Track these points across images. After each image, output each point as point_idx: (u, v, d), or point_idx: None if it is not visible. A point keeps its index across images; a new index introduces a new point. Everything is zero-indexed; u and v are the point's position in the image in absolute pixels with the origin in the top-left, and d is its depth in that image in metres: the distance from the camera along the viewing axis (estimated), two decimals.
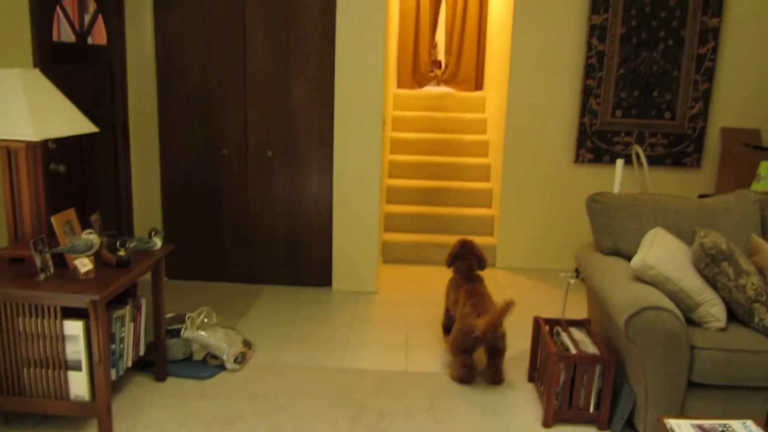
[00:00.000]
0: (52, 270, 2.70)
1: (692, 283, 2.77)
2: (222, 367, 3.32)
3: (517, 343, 3.76)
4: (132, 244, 2.98)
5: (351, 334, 3.81)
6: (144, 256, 2.99)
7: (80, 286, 2.56)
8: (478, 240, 5.29)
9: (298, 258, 4.60)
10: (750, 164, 4.68)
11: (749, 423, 2.15)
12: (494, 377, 3.25)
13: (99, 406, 2.61)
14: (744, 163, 4.73)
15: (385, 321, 4.03)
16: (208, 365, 3.32)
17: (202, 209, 4.58)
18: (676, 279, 2.76)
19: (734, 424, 2.14)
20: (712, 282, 2.81)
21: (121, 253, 2.81)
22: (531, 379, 3.33)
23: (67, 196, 3.74)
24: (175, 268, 4.66)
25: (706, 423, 2.13)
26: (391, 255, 5.33)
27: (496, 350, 3.23)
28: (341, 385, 3.19)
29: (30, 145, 2.78)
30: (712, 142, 5.08)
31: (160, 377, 3.20)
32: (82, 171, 3.92)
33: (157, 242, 3.06)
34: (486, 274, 5.02)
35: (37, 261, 2.62)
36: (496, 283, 4.84)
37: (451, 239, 5.35)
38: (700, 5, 4.84)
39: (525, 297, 4.54)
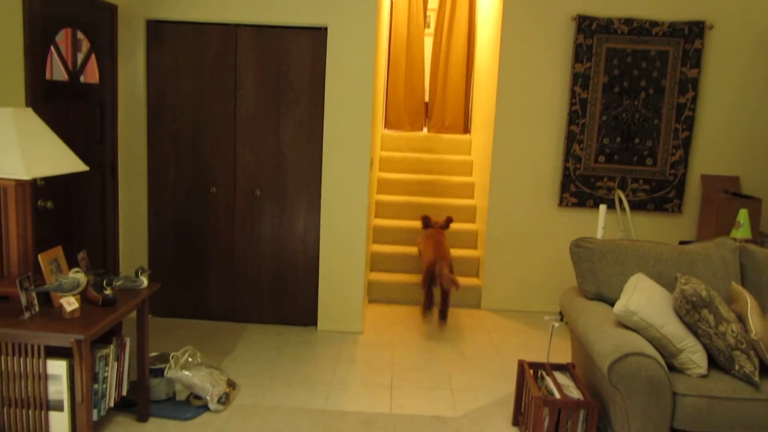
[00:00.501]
0: (37, 308, 2.69)
1: (674, 329, 2.81)
2: (205, 407, 3.29)
3: (502, 386, 3.76)
4: (118, 283, 2.98)
5: (336, 375, 3.80)
6: (130, 294, 2.99)
7: (65, 325, 2.56)
8: (464, 281, 5.33)
9: (284, 297, 4.60)
10: (730, 211, 4.79)
11: None
12: (442, 313, 4.80)
13: None
14: (724, 210, 4.83)
15: (370, 362, 4.02)
16: (191, 406, 3.29)
17: (188, 247, 4.59)
18: (658, 325, 2.80)
19: None
20: (693, 328, 2.86)
21: (108, 291, 2.81)
22: (515, 423, 3.33)
23: (54, 233, 3.74)
24: (159, 305, 4.63)
25: None
26: (377, 295, 5.34)
27: (447, 292, 4.73)
28: (325, 427, 3.17)
29: (19, 183, 2.80)
30: (693, 188, 5.19)
31: (143, 418, 3.16)
32: (70, 208, 3.93)
33: (144, 281, 3.06)
34: (472, 316, 5.05)
35: (23, 299, 2.62)
36: (481, 325, 4.86)
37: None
38: (680, 57, 5.00)
39: (509, 339, 4.56)
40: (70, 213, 3.94)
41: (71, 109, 3.92)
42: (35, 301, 2.69)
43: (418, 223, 5.91)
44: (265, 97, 4.42)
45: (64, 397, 2.58)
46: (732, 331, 2.81)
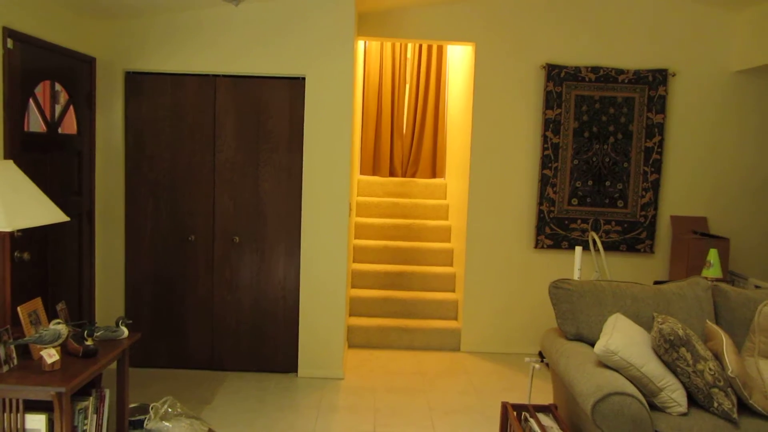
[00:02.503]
0: (15, 361, 2.65)
1: (654, 368, 2.86)
2: None
3: (485, 428, 3.76)
4: (99, 333, 2.95)
5: (318, 423, 3.76)
6: (111, 344, 2.95)
7: (45, 378, 2.52)
8: (443, 324, 5.35)
9: (264, 344, 4.56)
10: (699, 250, 4.92)
11: None
12: None
13: None
14: (694, 250, 4.96)
15: (352, 408, 3.99)
16: None
17: (166, 295, 4.55)
18: (638, 364, 2.85)
19: None
20: (671, 367, 2.91)
21: (89, 342, 2.78)
22: None
23: (31, 283, 3.69)
24: (136, 355, 4.55)
25: None
26: (357, 339, 5.33)
27: None
28: None
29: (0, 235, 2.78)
30: (664, 229, 5.32)
31: None
32: (46, 258, 3.89)
33: (125, 331, 3.04)
34: (451, 359, 5.06)
35: (1, 352, 2.58)
36: (462, 367, 4.86)
37: (416, 323, 5.40)
38: (645, 103, 5.19)
39: (490, 381, 4.57)
40: (47, 263, 3.89)
41: (49, 160, 3.92)
42: (14, 354, 2.64)
43: (395, 267, 5.94)
44: (244, 145, 4.47)
45: None
46: (710, 369, 2.87)
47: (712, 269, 4.35)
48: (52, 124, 4.01)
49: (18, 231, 3.53)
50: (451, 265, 6.12)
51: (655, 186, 5.27)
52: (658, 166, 5.25)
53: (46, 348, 2.61)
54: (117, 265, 4.52)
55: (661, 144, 5.23)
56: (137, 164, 4.50)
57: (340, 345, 4.51)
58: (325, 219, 4.46)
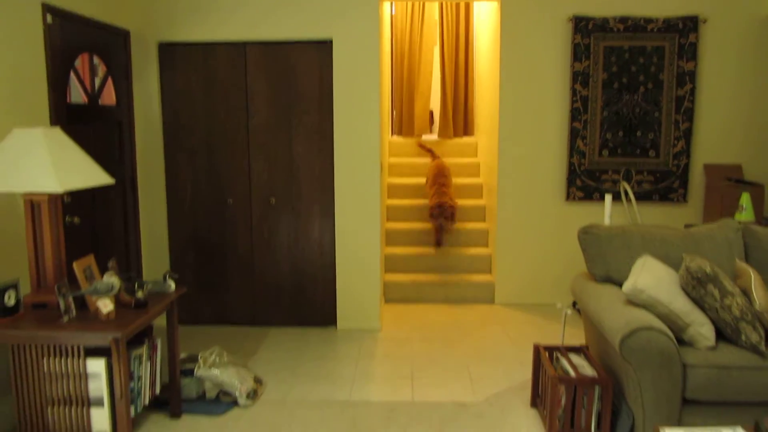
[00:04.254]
0: (74, 313, 2.85)
1: (681, 305, 2.93)
2: (234, 403, 3.43)
3: (519, 373, 3.88)
4: (148, 287, 3.13)
5: (357, 369, 3.93)
6: (159, 297, 3.14)
7: (102, 326, 2.71)
8: (477, 278, 5.47)
9: (303, 300, 4.74)
10: (733, 197, 4.90)
11: (739, 429, 2.28)
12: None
13: None
14: (728, 197, 4.94)
15: (390, 356, 4.15)
16: (221, 402, 3.43)
17: (208, 256, 4.75)
18: (665, 302, 2.92)
19: (725, 430, 2.27)
20: (699, 303, 2.98)
21: (140, 294, 2.96)
22: (534, 404, 3.44)
23: (81, 247, 3.91)
24: (182, 313, 4.79)
25: (698, 431, 2.26)
26: (393, 294, 5.47)
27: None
28: (350, 416, 3.30)
29: (52, 198, 2.96)
30: (696, 177, 5.30)
31: (176, 415, 3.30)
32: (95, 223, 4.10)
33: (172, 284, 3.21)
34: (485, 310, 5.18)
35: (61, 304, 2.77)
36: (496, 318, 4.97)
37: (450, 278, 5.51)
38: (676, 51, 5.14)
39: (523, 330, 4.67)
40: (95, 228, 4.11)
41: (91, 130, 4.10)
42: (72, 306, 2.84)
43: (429, 225, 6.04)
44: (276, 109, 4.60)
45: (104, 393, 2.73)
46: (737, 303, 2.93)
47: (745, 213, 4.34)
48: (93, 96, 4.18)
49: (67, 196, 3.74)
50: (483, 221, 6.19)
51: (687, 135, 5.24)
52: (690, 115, 5.22)
53: (101, 298, 2.80)
54: (160, 229, 4.73)
55: (692, 92, 5.19)
56: (174, 132, 4.67)
57: (377, 299, 4.66)
58: (357, 178, 4.58)
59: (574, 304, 5.01)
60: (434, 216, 5.65)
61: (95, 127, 4.16)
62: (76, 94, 4.04)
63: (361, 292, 4.66)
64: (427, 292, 5.48)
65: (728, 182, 5.08)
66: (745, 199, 4.37)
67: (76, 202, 3.86)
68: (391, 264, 5.75)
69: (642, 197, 5.28)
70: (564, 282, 5.36)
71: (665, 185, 5.30)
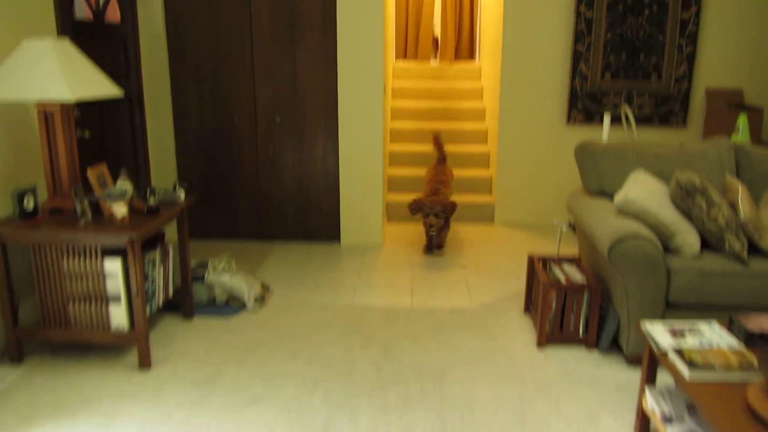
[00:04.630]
0: (90, 217, 2.99)
1: (669, 215, 3.06)
2: (243, 307, 3.63)
3: (514, 284, 4.06)
4: (160, 194, 3.27)
5: (360, 279, 4.12)
6: (170, 206, 3.28)
7: (117, 228, 2.85)
8: (477, 198, 5.60)
9: (308, 216, 4.89)
10: (734, 122, 4.96)
11: (714, 323, 2.45)
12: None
13: (138, 335, 2.91)
14: (728, 122, 5.01)
15: (391, 268, 4.33)
16: (230, 306, 3.62)
17: (214, 173, 4.87)
18: (654, 212, 3.05)
19: (701, 324, 2.44)
20: (687, 214, 3.11)
21: (152, 201, 3.10)
22: (527, 310, 3.63)
23: (92, 161, 4.03)
24: (190, 228, 4.96)
25: (677, 325, 2.43)
26: (395, 214, 5.62)
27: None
28: (352, 319, 3.50)
29: (64, 108, 3.06)
30: (698, 101, 5.35)
31: (188, 317, 3.50)
32: (104, 137, 4.20)
33: (182, 194, 3.35)
34: (485, 230, 5.33)
35: (78, 207, 2.91)
36: (495, 237, 5.13)
37: (453, 197, 5.64)
38: None
39: (521, 247, 4.84)
40: (105, 142, 4.21)
41: (97, 46, 4.15)
42: (88, 210, 2.98)
43: (431, 147, 6.13)
44: (279, 28, 4.62)
45: (121, 291, 2.90)
46: (723, 214, 3.05)
47: (741, 134, 4.42)
48: (98, 12, 4.20)
49: (77, 110, 3.83)
50: (485, 143, 6.28)
51: (690, 59, 5.25)
52: (693, 39, 5.21)
53: (115, 203, 2.94)
54: (167, 145, 4.84)
55: (697, 15, 5.17)
56: (179, 51, 4.71)
57: (379, 216, 4.81)
58: (360, 99, 4.64)
59: (572, 226, 5.15)
60: (415, 209, 4.52)
61: (101, 43, 4.20)
62: (81, 11, 4.06)
63: (364, 209, 4.80)
64: None
65: (729, 107, 5.13)
66: (742, 120, 4.44)
67: (86, 116, 3.95)
68: (393, 184, 5.88)
69: (642, 121, 5.35)
70: (562, 202, 5.50)
71: (666, 109, 5.35)
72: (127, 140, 4.55)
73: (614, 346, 3.23)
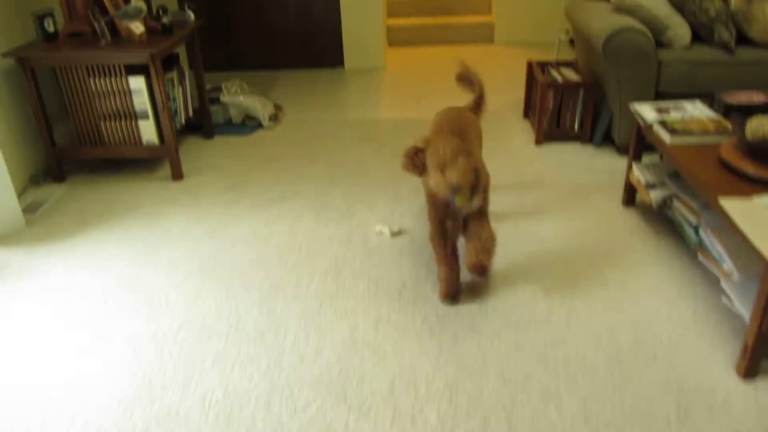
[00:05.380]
0: (109, 37, 3.12)
1: (662, 10, 3.19)
2: (259, 125, 3.86)
3: (513, 95, 4.25)
4: (170, 15, 3.37)
5: (367, 97, 4.32)
6: (181, 25, 3.39)
7: (137, 46, 3.00)
8: (476, 19, 5.63)
9: (311, 44, 4.99)
10: None
11: (697, 101, 2.67)
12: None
13: (168, 148, 3.16)
14: None
15: (396, 87, 4.51)
16: (246, 125, 3.85)
17: (217, 5, 4.90)
18: (648, 7, 3.17)
19: (684, 102, 2.66)
20: (680, 8, 3.23)
21: (165, 20, 3.21)
22: (525, 116, 3.86)
23: None
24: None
25: (662, 104, 2.65)
26: (396, 38, 5.69)
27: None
28: (363, 130, 3.75)
29: None
30: None
31: (208, 136, 3.74)
32: None
33: (191, 14, 3.45)
34: (484, 49, 5.42)
35: (97, 27, 3.04)
36: (493, 55, 5.25)
37: (452, 19, 5.67)
38: None
39: (520, 64, 4.97)
40: None
41: None
42: (106, 32, 3.11)
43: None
44: None
45: (147, 107, 3.11)
46: (714, 6, 3.18)
47: None
48: None
49: None
50: None
51: None
52: None
53: (132, 21, 3.06)
54: None
55: None
56: None
57: (381, 40, 4.90)
58: None
59: (572, 40, 5.23)
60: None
61: None
62: None
63: (365, 34, 4.88)
64: (429, 35, 5.68)
65: None
66: None
67: None
68: (393, 8, 5.88)
69: None
70: (562, 18, 5.54)
71: None
72: None
73: (607, 142, 3.48)
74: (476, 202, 2.00)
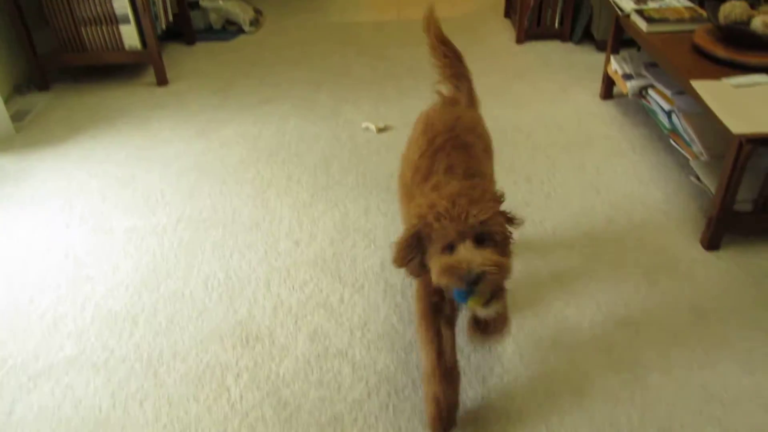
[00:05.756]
0: None
1: None
2: (240, 30, 3.84)
3: None
4: None
5: (346, 0, 4.29)
6: None
7: None
8: None
9: None
10: None
11: None
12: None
13: (150, 52, 3.16)
14: None
15: None
16: (228, 31, 3.83)
17: None
18: None
19: None
20: None
21: None
22: (507, 15, 3.87)
23: None
24: None
25: None
26: None
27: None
28: (344, 33, 3.75)
29: None
30: None
31: (190, 42, 3.72)
32: None
33: None
34: None
35: None
36: None
37: None
38: None
39: None
40: None
41: None
42: None
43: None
44: None
45: (128, 11, 3.08)
46: None
47: None
48: None
49: None
50: None
51: None
52: None
53: None
54: None
55: None
56: None
57: None
58: None
59: None
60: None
61: None
62: None
63: None
64: None
65: None
66: None
67: None
68: None
69: None
70: None
71: None
72: None
73: (586, 39, 3.52)
74: (495, 307, 1.25)
